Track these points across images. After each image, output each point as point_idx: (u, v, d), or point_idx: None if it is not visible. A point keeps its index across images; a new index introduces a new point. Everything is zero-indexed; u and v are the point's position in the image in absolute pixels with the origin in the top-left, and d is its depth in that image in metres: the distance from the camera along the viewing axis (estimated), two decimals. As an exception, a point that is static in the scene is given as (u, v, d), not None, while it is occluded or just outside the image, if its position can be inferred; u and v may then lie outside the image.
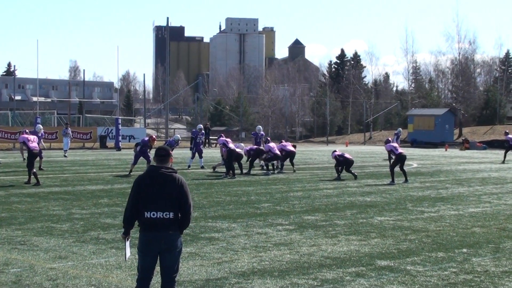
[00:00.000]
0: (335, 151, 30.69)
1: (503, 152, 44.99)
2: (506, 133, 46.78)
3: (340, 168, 29.15)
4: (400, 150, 28.03)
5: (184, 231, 8.42)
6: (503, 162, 42.73)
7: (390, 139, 30.61)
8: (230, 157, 29.90)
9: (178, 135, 35.73)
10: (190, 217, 8.32)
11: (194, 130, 37.24)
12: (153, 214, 8.08)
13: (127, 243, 8.47)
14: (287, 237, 14.29)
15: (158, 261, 8.24)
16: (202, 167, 34.06)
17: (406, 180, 27.57)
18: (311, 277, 10.68)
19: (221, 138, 31.93)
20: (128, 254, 8.53)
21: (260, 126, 38.67)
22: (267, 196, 22.14)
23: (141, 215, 8.16)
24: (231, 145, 30.78)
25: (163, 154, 8.38)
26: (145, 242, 8.14)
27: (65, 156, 44.15)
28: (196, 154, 34.91)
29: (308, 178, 29.35)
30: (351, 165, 29.37)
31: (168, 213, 8.09)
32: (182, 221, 8.23)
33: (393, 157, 28.15)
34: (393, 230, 15.36)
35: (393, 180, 27.27)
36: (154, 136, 33.23)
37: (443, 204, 20.41)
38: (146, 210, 8.11)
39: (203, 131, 37.51)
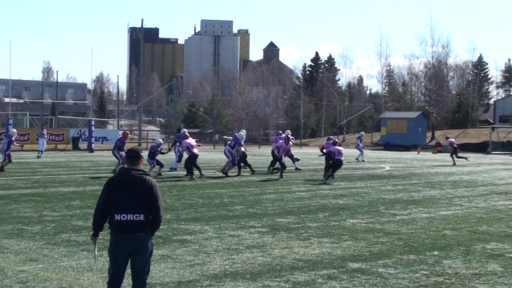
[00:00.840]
0: (329, 138, 31.98)
1: (474, 155, 45.54)
2: (447, 138, 48.02)
3: (330, 169, 29.52)
4: (342, 157, 28.67)
5: (156, 233, 8.42)
6: (454, 164, 43.67)
7: (332, 137, 31.20)
8: (191, 161, 30.13)
9: (160, 139, 35.51)
10: (161, 219, 8.28)
11: (178, 134, 37.18)
12: (124, 217, 8.04)
13: (96, 244, 8.46)
14: (259, 239, 14.29)
15: (129, 263, 8.22)
16: (175, 169, 34.10)
17: (330, 177, 28.75)
18: (283, 279, 10.69)
19: (186, 141, 31.58)
20: (96, 254, 8.52)
21: (244, 131, 38.40)
22: (240, 198, 22.13)
23: (112, 217, 8.12)
24: (195, 150, 30.73)
25: (134, 156, 8.33)
26: (116, 244, 8.11)
27: (38, 157, 43.95)
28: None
29: (281, 180, 29.37)
30: (339, 166, 29.81)
31: (138, 215, 8.05)
32: (153, 223, 8.19)
33: (331, 157, 28.91)
34: (365, 233, 15.41)
35: (326, 177, 28.79)
36: (127, 132, 33.72)
37: (415, 207, 20.52)
38: (116, 213, 8.07)
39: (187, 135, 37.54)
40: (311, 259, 12.26)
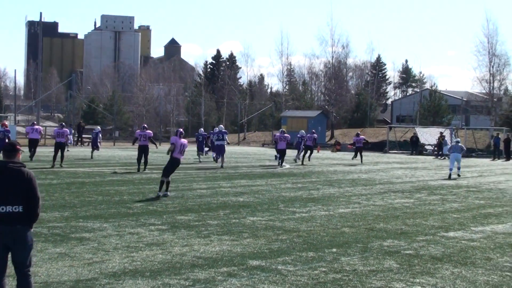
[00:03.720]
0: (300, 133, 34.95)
1: (372, 154, 46.28)
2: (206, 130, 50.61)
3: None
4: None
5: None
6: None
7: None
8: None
9: (98, 127, 37.22)
10: (39, 211, 8.46)
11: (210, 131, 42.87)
12: (2, 208, 8.16)
13: None
14: (159, 237, 14.19)
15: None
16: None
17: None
18: (183, 277, 10.64)
19: (56, 130, 35.34)
20: None
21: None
22: (140, 195, 21.93)
23: None
24: (60, 139, 33.69)
25: (10, 149, 8.51)
26: None
27: None
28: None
29: (181, 178, 29.27)
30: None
31: (17, 206, 8.18)
32: (31, 214, 8.33)
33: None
34: (265, 230, 15.49)
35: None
36: (4, 122, 34.82)
37: (314, 205, 20.73)
38: None
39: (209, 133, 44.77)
40: (211, 257, 12.24)
